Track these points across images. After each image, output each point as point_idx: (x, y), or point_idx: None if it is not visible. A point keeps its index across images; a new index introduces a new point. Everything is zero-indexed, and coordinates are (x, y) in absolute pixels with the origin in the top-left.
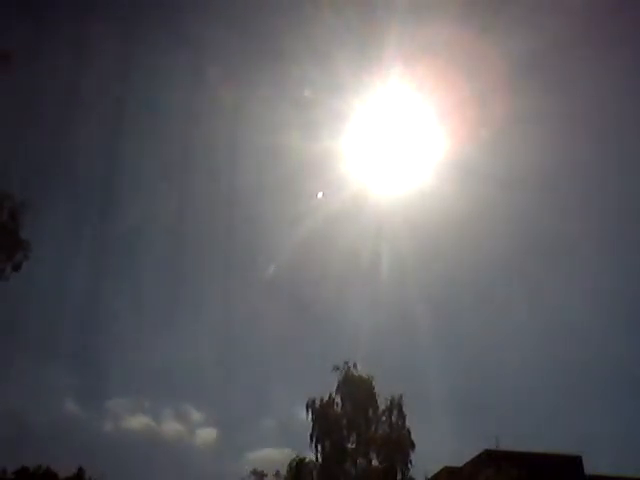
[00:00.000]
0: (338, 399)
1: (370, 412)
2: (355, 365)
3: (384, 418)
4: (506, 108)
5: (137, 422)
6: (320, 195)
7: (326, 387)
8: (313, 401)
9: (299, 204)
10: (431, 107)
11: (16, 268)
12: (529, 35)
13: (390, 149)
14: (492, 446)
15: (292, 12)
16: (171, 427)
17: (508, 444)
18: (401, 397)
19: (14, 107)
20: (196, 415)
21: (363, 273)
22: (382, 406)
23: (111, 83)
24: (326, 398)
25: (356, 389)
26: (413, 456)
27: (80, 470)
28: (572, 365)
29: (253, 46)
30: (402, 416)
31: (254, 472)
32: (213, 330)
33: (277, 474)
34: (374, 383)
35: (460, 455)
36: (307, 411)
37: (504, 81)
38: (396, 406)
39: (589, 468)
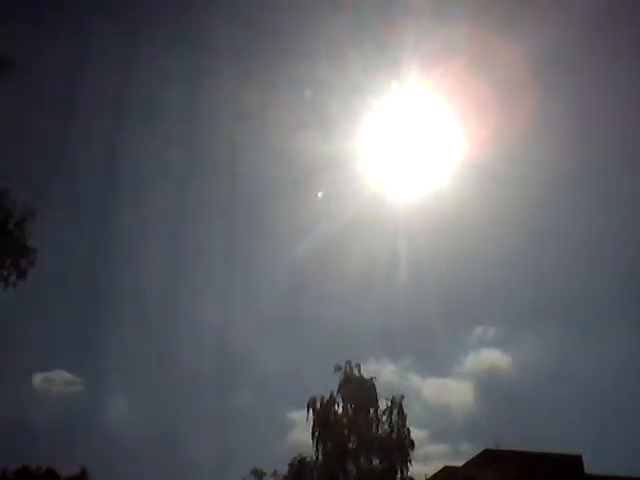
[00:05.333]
0: (339, 399)
1: (371, 412)
2: (358, 365)
3: (385, 418)
4: (526, 109)
5: None
6: (320, 195)
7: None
8: (314, 401)
9: (315, 205)
10: (449, 108)
11: (21, 276)
12: (551, 33)
13: (408, 151)
14: (492, 446)
15: (308, 12)
16: None
17: (508, 444)
18: (402, 397)
19: (14, 107)
20: None
21: (380, 275)
22: (383, 406)
23: (114, 83)
24: (327, 398)
25: (357, 389)
26: (413, 455)
27: (83, 470)
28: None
29: (268, 46)
30: (402, 416)
31: (254, 472)
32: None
33: (275, 473)
34: (376, 384)
35: None
36: (308, 411)
37: (525, 81)
38: (397, 406)
39: (589, 468)
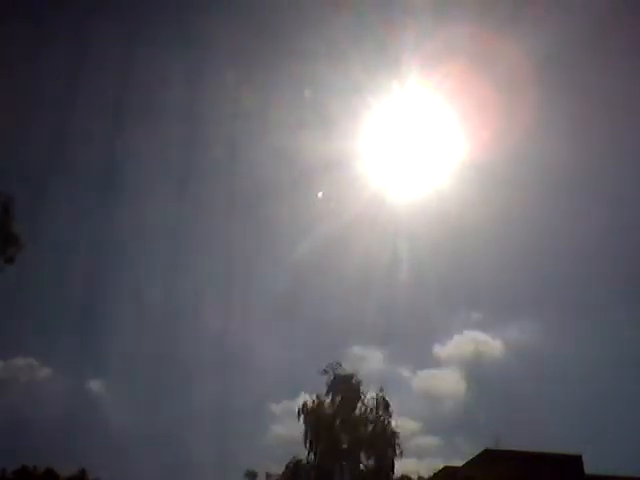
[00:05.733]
0: (329, 400)
1: (358, 409)
2: (340, 364)
3: (372, 417)
4: (528, 109)
5: None
6: (320, 195)
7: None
8: (305, 404)
9: (315, 205)
10: (450, 108)
11: (9, 261)
12: (552, 33)
13: (408, 151)
14: (492, 446)
15: (308, 12)
16: None
17: (508, 444)
18: (382, 390)
19: (14, 107)
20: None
21: (380, 274)
22: (370, 405)
23: (114, 83)
24: (317, 400)
25: (345, 389)
26: (401, 448)
27: (82, 471)
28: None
29: (269, 46)
30: (388, 412)
31: (247, 474)
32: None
33: (268, 475)
34: (358, 378)
35: None
36: (299, 414)
37: (526, 81)
38: (382, 403)
39: (589, 468)
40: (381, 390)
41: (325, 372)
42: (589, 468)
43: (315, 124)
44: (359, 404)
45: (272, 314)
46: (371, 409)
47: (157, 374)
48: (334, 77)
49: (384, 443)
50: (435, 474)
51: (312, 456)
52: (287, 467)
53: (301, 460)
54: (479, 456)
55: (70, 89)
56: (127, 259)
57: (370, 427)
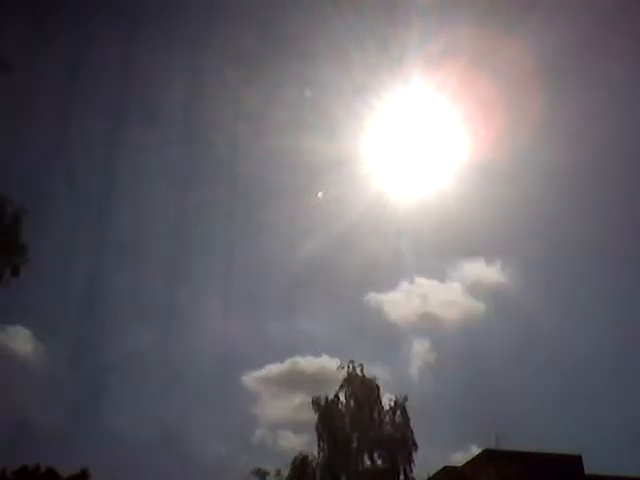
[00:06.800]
0: (342, 398)
1: (375, 412)
2: (361, 365)
3: (388, 418)
4: (531, 110)
5: None
6: (320, 195)
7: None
8: (318, 399)
9: (318, 206)
10: (453, 108)
11: (15, 272)
12: (556, 34)
13: (412, 151)
14: (492, 446)
15: (310, 11)
16: None
17: (508, 444)
18: (405, 398)
19: (14, 107)
20: None
21: (383, 275)
22: (386, 406)
23: (114, 83)
24: (331, 397)
25: (360, 389)
26: (416, 456)
27: (83, 471)
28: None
29: (272, 47)
30: (406, 417)
31: (256, 472)
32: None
33: (278, 473)
34: (379, 383)
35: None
36: (312, 409)
37: (530, 82)
38: (400, 407)
39: (589, 468)
40: (404, 397)
41: (341, 368)
42: (589, 468)
43: (317, 124)
44: (375, 405)
45: (273, 314)
46: (387, 410)
47: (157, 375)
48: (336, 77)
49: (398, 447)
50: (435, 474)
51: (321, 453)
52: (293, 464)
53: (307, 457)
54: (479, 456)
55: (70, 89)
56: (127, 260)
57: (385, 429)
